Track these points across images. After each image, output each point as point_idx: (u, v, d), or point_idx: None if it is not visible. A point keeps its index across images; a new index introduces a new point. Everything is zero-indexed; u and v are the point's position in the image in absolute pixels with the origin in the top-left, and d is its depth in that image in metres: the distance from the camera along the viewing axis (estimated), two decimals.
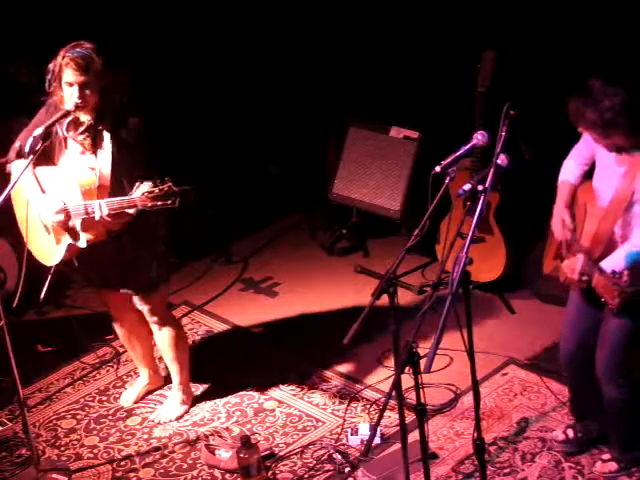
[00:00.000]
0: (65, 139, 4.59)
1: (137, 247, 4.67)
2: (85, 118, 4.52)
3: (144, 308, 4.87)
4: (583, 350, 4.29)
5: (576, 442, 4.57)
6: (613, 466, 4.43)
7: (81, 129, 4.54)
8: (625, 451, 4.41)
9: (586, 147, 4.15)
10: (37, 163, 4.55)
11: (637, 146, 3.88)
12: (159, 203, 4.29)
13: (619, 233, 3.98)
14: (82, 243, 4.54)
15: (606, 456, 4.47)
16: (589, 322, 4.25)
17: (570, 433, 4.61)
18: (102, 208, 4.39)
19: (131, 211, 4.35)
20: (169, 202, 4.28)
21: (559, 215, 4.19)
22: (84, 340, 5.72)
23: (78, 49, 4.40)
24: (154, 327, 4.97)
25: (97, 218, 4.42)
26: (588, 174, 4.19)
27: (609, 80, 3.78)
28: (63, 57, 4.40)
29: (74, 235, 4.53)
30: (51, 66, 4.44)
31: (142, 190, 4.31)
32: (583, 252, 3.96)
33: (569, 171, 4.22)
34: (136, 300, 4.86)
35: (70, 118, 4.52)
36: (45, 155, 4.58)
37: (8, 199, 4.41)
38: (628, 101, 3.75)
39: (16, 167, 4.55)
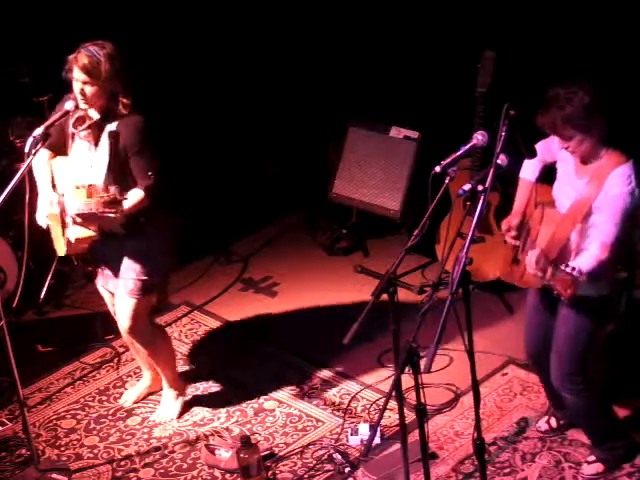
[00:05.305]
0: (73, 134, 4.61)
1: (140, 248, 4.67)
2: (94, 115, 4.54)
3: (125, 315, 4.78)
4: (545, 351, 4.34)
5: (559, 430, 4.67)
6: (600, 467, 4.45)
7: (85, 125, 4.55)
8: (599, 445, 4.44)
9: (547, 152, 4.21)
10: (55, 155, 4.65)
11: (595, 151, 3.99)
12: (106, 210, 4.32)
13: (575, 240, 4.02)
14: (71, 237, 4.54)
15: (591, 458, 4.48)
16: (546, 324, 4.32)
17: (553, 422, 4.69)
18: (71, 208, 4.43)
19: (112, 216, 4.35)
20: (112, 210, 4.31)
21: (509, 218, 4.25)
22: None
23: (91, 48, 4.42)
24: (132, 339, 4.92)
25: (67, 217, 4.48)
26: (548, 178, 4.25)
27: (568, 84, 3.93)
28: (78, 52, 4.43)
29: (68, 229, 4.56)
30: (69, 58, 4.46)
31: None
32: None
33: (528, 168, 4.27)
34: (120, 305, 4.81)
35: (79, 114, 4.54)
36: (60, 148, 4.64)
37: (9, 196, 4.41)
38: (589, 101, 3.89)
39: (35, 159, 4.56)
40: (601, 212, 3.96)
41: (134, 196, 4.49)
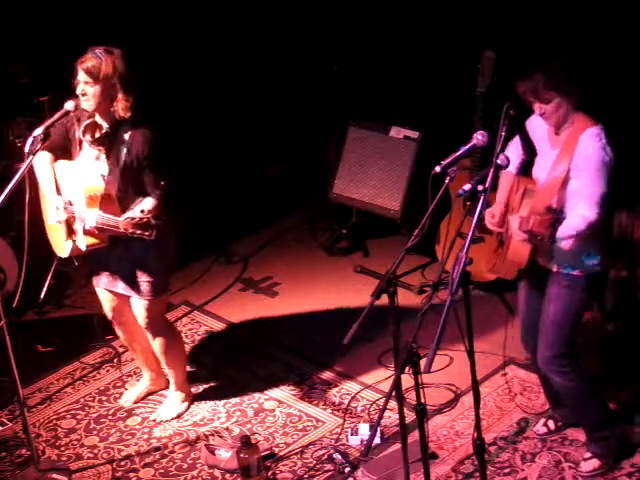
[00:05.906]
0: (80, 141, 4.61)
1: (146, 250, 4.67)
2: (103, 124, 4.55)
3: (141, 316, 4.85)
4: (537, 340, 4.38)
5: (557, 432, 4.67)
6: (596, 463, 4.45)
7: (97, 136, 4.56)
8: (593, 432, 4.45)
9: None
10: (57, 158, 4.65)
11: (568, 117, 4.07)
12: (138, 231, 4.33)
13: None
14: (82, 246, 4.57)
15: (587, 455, 4.49)
16: (536, 313, 4.35)
17: (551, 425, 4.69)
18: (90, 220, 4.44)
19: (146, 238, 4.38)
20: (146, 233, 4.33)
21: (492, 208, 4.27)
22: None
23: (97, 50, 4.46)
24: (148, 335, 4.96)
25: (86, 228, 4.49)
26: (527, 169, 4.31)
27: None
28: (85, 55, 4.46)
29: (77, 236, 4.57)
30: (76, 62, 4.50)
31: (126, 215, 4.36)
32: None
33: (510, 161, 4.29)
34: (134, 307, 4.85)
35: (88, 122, 4.54)
36: (61, 151, 4.65)
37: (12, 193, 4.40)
38: (568, 65, 4.05)
39: (37, 159, 4.57)
40: (579, 175, 4.01)
41: (147, 205, 4.49)
